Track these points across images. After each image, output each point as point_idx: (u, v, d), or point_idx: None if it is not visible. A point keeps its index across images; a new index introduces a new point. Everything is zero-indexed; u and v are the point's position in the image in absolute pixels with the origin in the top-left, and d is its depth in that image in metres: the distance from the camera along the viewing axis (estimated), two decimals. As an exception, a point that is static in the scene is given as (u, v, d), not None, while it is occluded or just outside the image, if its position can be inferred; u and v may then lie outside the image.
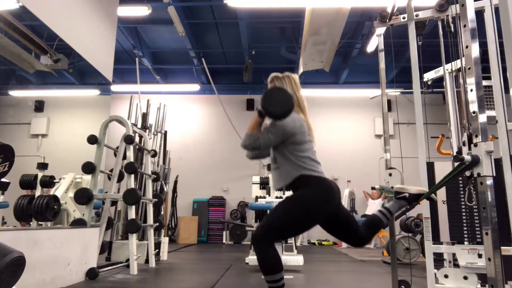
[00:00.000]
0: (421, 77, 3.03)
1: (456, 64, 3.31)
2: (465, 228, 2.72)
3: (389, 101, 3.62)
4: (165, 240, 5.26)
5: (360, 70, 9.48)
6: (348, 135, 10.07)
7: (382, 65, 2.91)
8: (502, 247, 1.69)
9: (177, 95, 10.06)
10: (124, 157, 4.16)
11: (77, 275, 3.28)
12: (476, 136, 1.70)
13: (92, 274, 3.41)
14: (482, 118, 1.71)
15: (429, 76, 3.70)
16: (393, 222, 2.67)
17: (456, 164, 1.73)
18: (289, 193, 2.14)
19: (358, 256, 6.35)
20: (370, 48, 7.31)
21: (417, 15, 2.81)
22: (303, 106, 2.24)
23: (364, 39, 7.70)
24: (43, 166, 3.92)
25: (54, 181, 4.02)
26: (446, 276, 2.59)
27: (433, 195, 2.32)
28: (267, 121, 2.10)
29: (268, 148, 2.11)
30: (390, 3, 2.79)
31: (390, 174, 2.65)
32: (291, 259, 4.36)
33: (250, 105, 10.24)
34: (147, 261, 4.55)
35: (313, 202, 1.98)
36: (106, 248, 4.61)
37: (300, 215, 1.96)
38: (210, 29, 8.00)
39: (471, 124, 1.74)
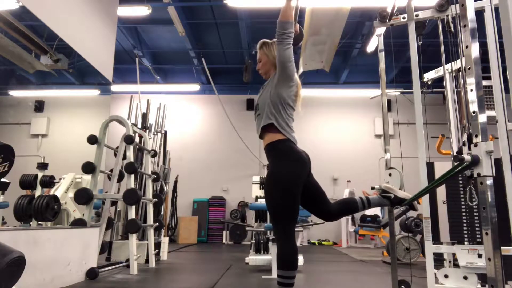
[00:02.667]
0: (421, 77, 3.03)
1: (456, 64, 3.31)
2: (465, 228, 2.72)
3: (389, 101, 3.63)
4: (165, 240, 5.26)
5: (360, 70, 9.47)
6: (348, 135, 10.07)
7: (382, 65, 2.91)
8: (502, 247, 1.69)
9: (177, 95, 10.06)
10: (124, 157, 4.16)
11: (77, 275, 3.28)
12: (476, 136, 1.70)
13: (92, 274, 3.41)
14: (482, 118, 1.71)
15: (429, 76, 3.69)
16: (393, 222, 2.67)
17: (456, 164, 1.73)
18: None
19: (358, 256, 6.35)
20: (370, 48, 7.31)
21: (417, 15, 2.81)
22: None
23: (364, 39, 7.69)
24: (43, 166, 3.92)
25: (54, 181, 4.02)
26: (446, 276, 2.59)
27: (415, 204, 2.31)
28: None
29: (290, 43, 2.13)
30: (390, 3, 2.79)
31: (390, 174, 2.64)
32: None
33: (250, 105, 10.24)
34: (147, 261, 4.55)
35: (287, 177, 2.00)
36: (106, 248, 4.61)
37: (284, 195, 1.99)
38: (210, 29, 8.00)
39: (471, 124, 1.74)
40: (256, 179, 5.93)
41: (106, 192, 4.24)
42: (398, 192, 2.29)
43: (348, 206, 2.26)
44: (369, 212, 7.77)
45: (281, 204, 1.99)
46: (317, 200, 2.20)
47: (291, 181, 2.00)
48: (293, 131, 2.16)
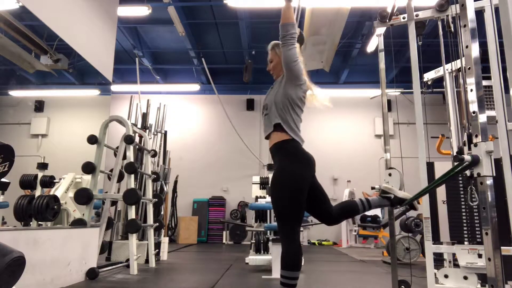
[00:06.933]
0: (421, 77, 3.03)
1: (456, 64, 3.31)
2: (465, 228, 2.72)
3: (389, 101, 3.64)
4: (165, 240, 5.26)
5: (360, 70, 9.47)
6: (348, 135, 10.07)
7: (382, 65, 2.91)
8: (502, 247, 1.69)
9: (177, 95, 10.06)
10: (124, 157, 4.16)
11: (77, 275, 3.28)
12: (476, 136, 1.70)
13: (92, 274, 3.41)
14: (482, 118, 1.71)
15: (429, 76, 3.70)
16: (393, 222, 2.68)
17: (456, 164, 1.73)
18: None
19: (358, 256, 6.35)
20: (370, 48, 7.30)
21: (417, 15, 2.81)
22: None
23: (364, 39, 7.69)
24: (43, 166, 3.92)
25: (54, 181, 4.02)
26: (446, 276, 2.59)
27: (416, 203, 2.31)
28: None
29: (294, 44, 2.14)
30: (390, 3, 2.79)
31: (390, 174, 2.64)
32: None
33: (250, 105, 10.24)
34: (147, 261, 4.55)
35: (293, 177, 2.00)
36: (106, 248, 4.61)
37: (291, 195, 1.98)
38: (210, 29, 8.00)
39: (471, 124, 1.74)
40: (256, 179, 5.93)
41: (106, 192, 4.24)
42: (397, 192, 2.30)
43: (349, 209, 2.26)
44: (369, 212, 7.77)
45: (287, 204, 1.98)
46: (320, 202, 2.19)
47: (297, 181, 2.00)
48: (300, 131, 2.15)
